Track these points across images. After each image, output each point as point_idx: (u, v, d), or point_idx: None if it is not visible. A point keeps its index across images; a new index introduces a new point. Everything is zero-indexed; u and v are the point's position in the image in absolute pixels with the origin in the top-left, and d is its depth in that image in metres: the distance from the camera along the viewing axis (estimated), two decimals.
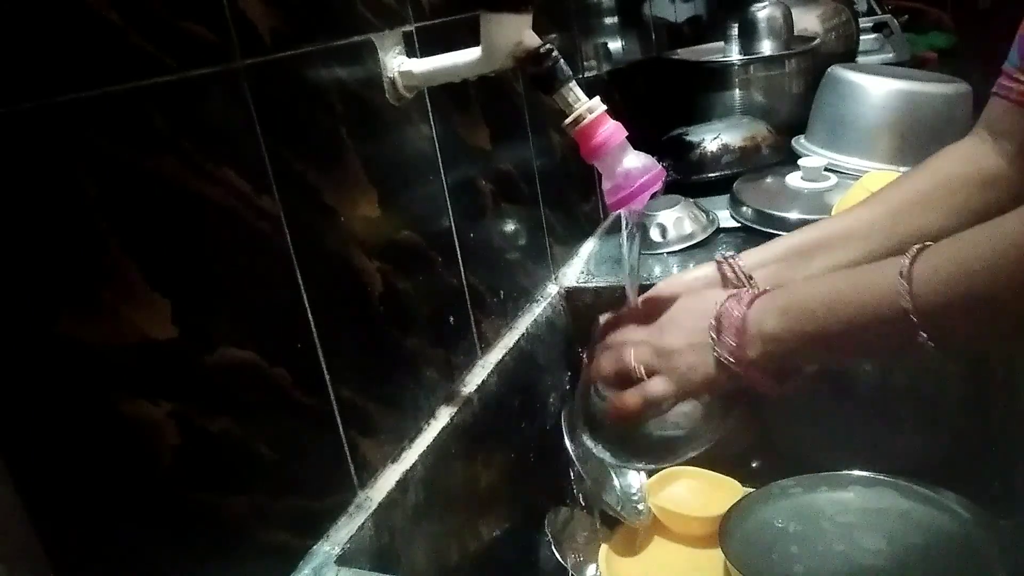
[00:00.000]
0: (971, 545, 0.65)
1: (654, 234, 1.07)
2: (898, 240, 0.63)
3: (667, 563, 0.86)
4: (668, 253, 1.04)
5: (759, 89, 1.38)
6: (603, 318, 0.69)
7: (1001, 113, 0.64)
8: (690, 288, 0.66)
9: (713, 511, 0.80)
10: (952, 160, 0.67)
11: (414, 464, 0.68)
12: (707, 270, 0.69)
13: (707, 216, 1.10)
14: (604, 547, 0.87)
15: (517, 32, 0.61)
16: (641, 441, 0.65)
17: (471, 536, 0.78)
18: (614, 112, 0.62)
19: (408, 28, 0.70)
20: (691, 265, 0.99)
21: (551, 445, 0.88)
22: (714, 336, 0.57)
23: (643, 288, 0.71)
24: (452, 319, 0.79)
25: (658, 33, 1.51)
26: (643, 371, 0.60)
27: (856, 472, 0.77)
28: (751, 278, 0.66)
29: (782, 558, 0.70)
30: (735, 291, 0.59)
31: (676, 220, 1.07)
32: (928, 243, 0.50)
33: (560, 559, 0.83)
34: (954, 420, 0.85)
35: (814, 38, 1.47)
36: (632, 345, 0.62)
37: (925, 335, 0.48)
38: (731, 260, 0.67)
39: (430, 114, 0.74)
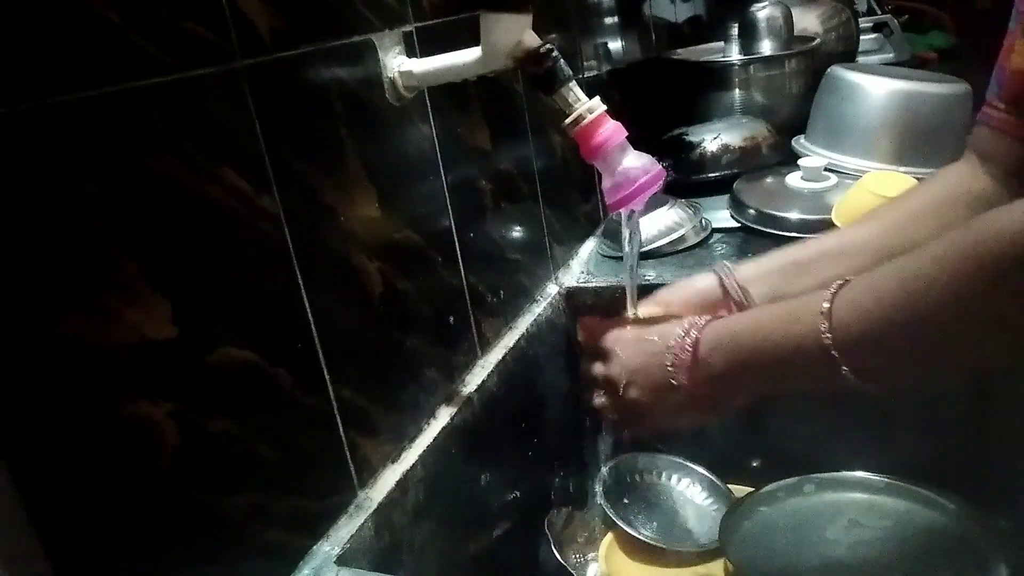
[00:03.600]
0: (971, 546, 0.65)
1: (655, 234, 1.06)
2: (889, 256, 0.64)
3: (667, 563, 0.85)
4: (666, 254, 1.04)
5: (759, 89, 1.38)
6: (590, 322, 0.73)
7: (985, 139, 0.67)
8: (688, 303, 0.70)
9: None
10: (944, 181, 0.69)
11: (414, 464, 0.68)
12: (707, 282, 0.71)
13: (703, 218, 1.10)
14: (604, 547, 0.87)
15: (517, 32, 0.61)
16: None
17: (471, 536, 0.78)
18: (614, 112, 0.62)
19: (408, 28, 0.70)
20: (692, 269, 0.99)
21: (551, 445, 0.88)
22: (671, 370, 0.61)
23: (642, 289, 0.71)
24: (452, 319, 0.79)
25: (658, 33, 1.51)
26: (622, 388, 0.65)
27: (856, 472, 0.77)
28: (747, 291, 0.69)
29: (782, 558, 0.70)
30: (689, 323, 0.62)
31: (674, 222, 1.07)
32: (849, 278, 0.52)
33: (560, 559, 0.82)
34: (954, 420, 0.85)
35: (814, 38, 1.47)
36: (614, 361, 0.66)
37: (846, 369, 0.50)
38: (729, 272, 0.71)
39: (430, 114, 0.74)
